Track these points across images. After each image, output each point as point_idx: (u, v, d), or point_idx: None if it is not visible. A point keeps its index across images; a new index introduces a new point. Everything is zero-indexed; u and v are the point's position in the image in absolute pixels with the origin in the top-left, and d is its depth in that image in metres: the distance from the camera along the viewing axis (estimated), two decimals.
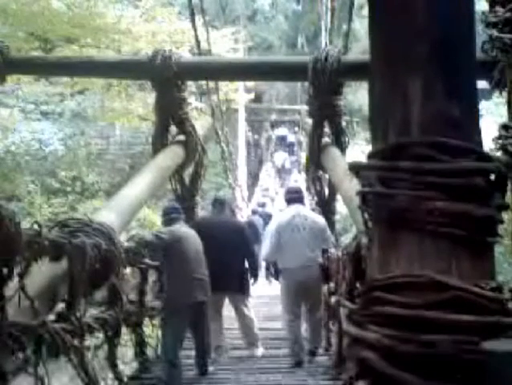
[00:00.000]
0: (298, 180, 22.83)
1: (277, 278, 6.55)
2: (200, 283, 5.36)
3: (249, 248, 6.76)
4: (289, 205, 6.50)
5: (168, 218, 5.52)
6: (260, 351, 6.51)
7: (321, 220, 6.54)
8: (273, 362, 6.18)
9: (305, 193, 7.48)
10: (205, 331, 5.54)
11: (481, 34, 4.15)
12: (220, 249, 6.02)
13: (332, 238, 6.28)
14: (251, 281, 6.64)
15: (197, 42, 8.63)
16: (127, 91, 14.52)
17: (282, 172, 28.12)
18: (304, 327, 6.49)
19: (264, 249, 6.49)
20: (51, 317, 3.31)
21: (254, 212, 15.66)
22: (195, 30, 8.48)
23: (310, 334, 6.42)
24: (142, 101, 13.49)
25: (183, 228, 5.50)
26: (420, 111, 1.91)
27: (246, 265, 6.60)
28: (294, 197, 6.53)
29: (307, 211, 6.76)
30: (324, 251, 5.95)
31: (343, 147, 7.46)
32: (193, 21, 8.31)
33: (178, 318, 5.21)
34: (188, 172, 8.31)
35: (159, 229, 5.87)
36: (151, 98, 7.94)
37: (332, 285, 5.45)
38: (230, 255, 6.24)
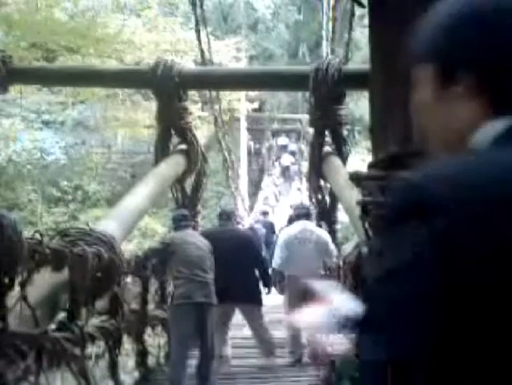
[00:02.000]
0: (301, 188, 22.86)
1: (281, 291, 7.11)
2: (199, 285, 5.38)
3: (260, 257, 6.87)
4: (297, 220, 7.12)
5: (177, 225, 5.62)
6: (276, 361, 6.61)
7: (325, 234, 7.06)
8: (275, 372, 6.18)
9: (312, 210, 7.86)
10: (208, 338, 5.51)
11: None
12: (229, 260, 6.00)
13: (335, 251, 6.77)
14: (265, 290, 6.83)
15: (201, 51, 8.65)
16: (132, 101, 14.57)
17: (287, 173, 28.26)
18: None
19: (274, 260, 7.09)
20: (52, 326, 3.31)
21: (256, 221, 15.65)
22: (199, 40, 8.51)
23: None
24: (148, 110, 13.52)
25: (187, 234, 5.53)
26: None
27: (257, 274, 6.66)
28: (301, 213, 7.18)
29: (313, 226, 7.25)
30: (325, 263, 6.47)
31: (344, 157, 7.47)
32: (197, 30, 8.34)
33: (181, 320, 5.23)
34: (189, 181, 8.32)
35: (163, 237, 5.98)
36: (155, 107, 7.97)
37: None
38: (240, 266, 6.24)
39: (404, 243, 0.86)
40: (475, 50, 0.93)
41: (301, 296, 6.97)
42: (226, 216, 6.70)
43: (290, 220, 7.81)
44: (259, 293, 6.56)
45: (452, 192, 0.88)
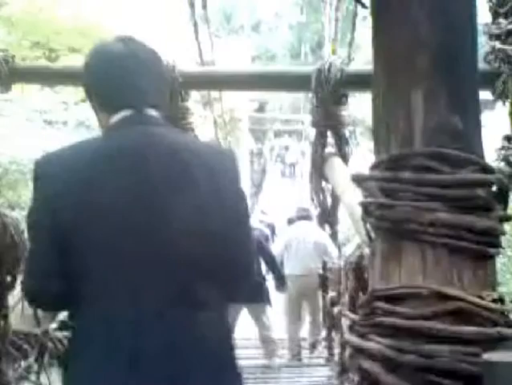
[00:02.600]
0: (302, 188, 22.87)
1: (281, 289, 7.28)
2: None
3: (269, 253, 6.93)
4: (298, 221, 7.48)
5: None
6: (278, 361, 6.67)
7: (325, 235, 7.16)
8: (274, 372, 6.18)
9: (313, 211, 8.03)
10: None
11: (484, 45, 4.17)
12: None
13: (335, 252, 6.90)
14: (279, 286, 6.94)
15: (200, 52, 8.67)
16: None
17: (291, 171, 28.31)
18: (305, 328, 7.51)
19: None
20: (54, 325, 3.31)
21: (261, 221, 15.60)
22: (198, 41, 8.52)
23: (310, 328, 7.36)
24: None
25: None
26: (423, 123, 1.92)
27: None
28: (302, 215, 7.52)
29: (314, 227, 7.41)
30: (324, 263, 6.62)
31: (346, 158, 7.46)
32: (196, 32, 8.35)
33: None
34: None
35: None
36: None
37: (334, 294, 5.49)
38: None
39: (34, 196, 1.52)
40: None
41: (300, 296, 7.17)
42: None
43: (290, 222, 7.95)
44: (268, 292, 6.67)
45: (51, 165, 1.53)
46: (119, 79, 1.63)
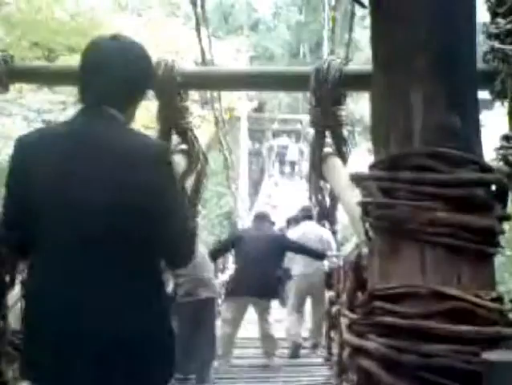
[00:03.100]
0: (302, 188, 22.88)
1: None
2: (202, 283, 5.78)
3: (292, 242, 7.23)
4: (301, 222, 7.93)
5: None
6: (277, 361, 6.68)
7: (328, 234, 7.60)
8: (274, 372, 6.18)
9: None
10: (208, 332, 5.69)
11: (483, 44, 4.17)
12: (255, 258, 6.43)
13: (335, 251, 7.08)
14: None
15: (202, 52, 8.64)
16: None
17: (291, 170, 28.39)
18: (307, 326, 7.82)
19: None
20: None
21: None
22: (200, 40, 8.50)
23: (312, 328, 7.63)
24: (148, 110, 13.43)
25: None
26: (422, 122, 1.93)
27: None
28: (305, 215, 7.93)
29: (316, 226, 7.75)
30: (330, 262, 6.98)
31: (344, 157, 7.46)
32: (198, 30, 8.35)
33: (181, 318, 5.39)
34: (189, 182, 8.29)
35: None
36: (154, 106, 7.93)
37: (333, 293, 5.51)
38: (264, 264, 6.48)
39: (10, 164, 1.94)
40: None
41: (305, 293, 7.38)
42: (260, 218, 7.31)
43: (289, 222, 8.19)
44: (277, 292, 6.88)
45: (25, 142, 1.94)
46: (87, 75, 2.06)
